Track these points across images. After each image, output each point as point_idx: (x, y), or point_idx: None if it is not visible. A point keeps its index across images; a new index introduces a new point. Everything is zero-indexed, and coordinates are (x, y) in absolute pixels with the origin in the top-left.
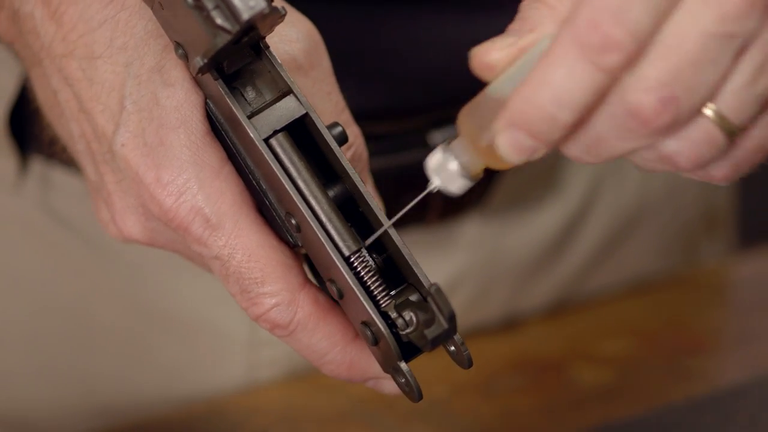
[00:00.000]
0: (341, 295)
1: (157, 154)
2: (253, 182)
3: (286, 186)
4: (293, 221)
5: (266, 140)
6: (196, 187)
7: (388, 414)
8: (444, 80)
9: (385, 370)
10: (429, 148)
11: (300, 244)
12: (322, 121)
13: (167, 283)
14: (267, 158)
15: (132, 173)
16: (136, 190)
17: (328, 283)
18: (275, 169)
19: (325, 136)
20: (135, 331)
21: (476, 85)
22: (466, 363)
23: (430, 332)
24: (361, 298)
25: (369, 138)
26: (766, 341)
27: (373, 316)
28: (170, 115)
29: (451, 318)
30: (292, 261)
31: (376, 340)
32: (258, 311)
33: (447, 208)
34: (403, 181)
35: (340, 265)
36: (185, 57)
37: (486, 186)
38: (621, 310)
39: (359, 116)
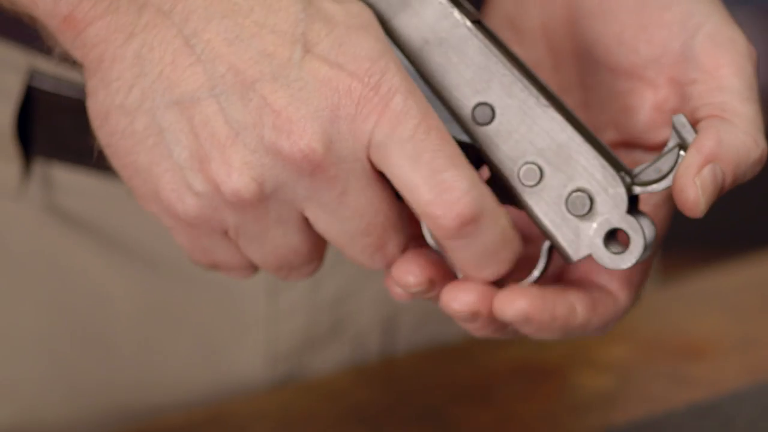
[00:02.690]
0: (541, 176)
1: (349, 47)
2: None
3: (500, 60)
4: (491, 106)
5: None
6: (394, 68)
7: (387, 419)
8: None
9: (573, 258)
10: None
11: (478, 144)
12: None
13: (183, 275)
14: (482, 35)
15: (324, 72)
16: (326, 90)
17: (527, 167)
18: (491, 44)
19: (497, 38)
20: (152, 328)
21: None
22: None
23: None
24: (593, 149)
25: None
26: (766, 347)
27: (605, 164)
28: (353, 20)
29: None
30: None
31: (591, 206)
32: (453, 196)
33: None
34: None
35: (568, 122)
36: None
37: None
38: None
39: None
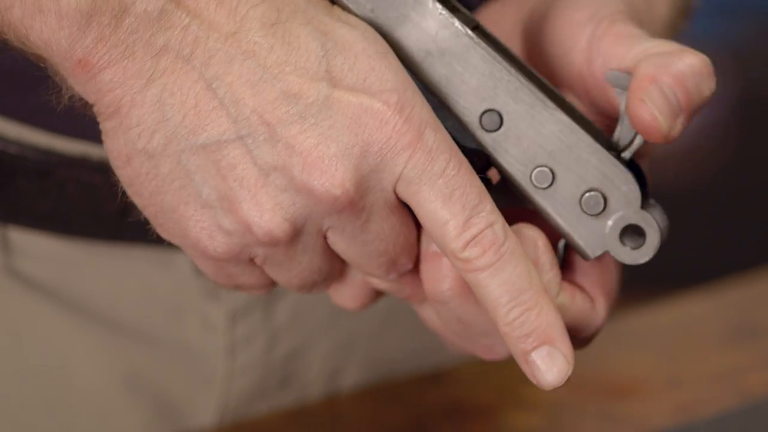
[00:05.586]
0: (553, 178)
1: (374, 79)
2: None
3: (504, 66)
4: (499, 112)
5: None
6: (420, 102)
7: None
8: None
9: (590, 256)
10: None
11: (487, 150)
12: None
13: (143, 336)
14: (484, 42)
15: (352, 107)
16: (356, 126)
17: (538, 171)
18: (494, 51)
19: (498, 42)
20: (111, 390)
21: None
22: None
23: None
24: (602, 148)
25: None
26: (695, 386)
27: (617, 162)
28: (371, 48)
29: None
30: None
31: (605, 205)
32: (476, 230)
33: None
34: None
35: (576, 122)
36: None
37: None
38: None
39: None
